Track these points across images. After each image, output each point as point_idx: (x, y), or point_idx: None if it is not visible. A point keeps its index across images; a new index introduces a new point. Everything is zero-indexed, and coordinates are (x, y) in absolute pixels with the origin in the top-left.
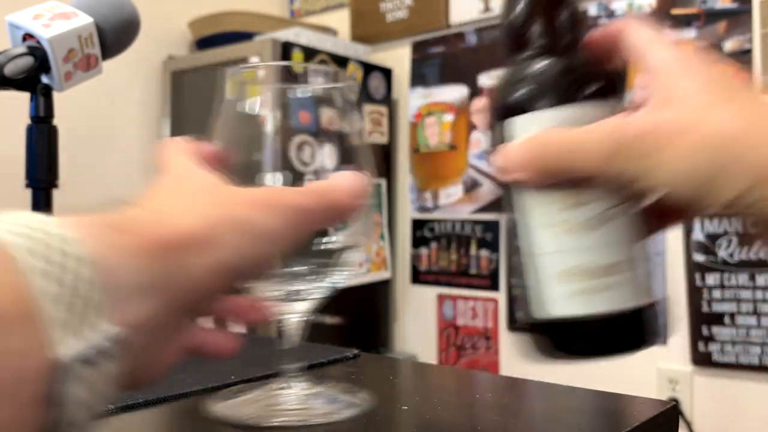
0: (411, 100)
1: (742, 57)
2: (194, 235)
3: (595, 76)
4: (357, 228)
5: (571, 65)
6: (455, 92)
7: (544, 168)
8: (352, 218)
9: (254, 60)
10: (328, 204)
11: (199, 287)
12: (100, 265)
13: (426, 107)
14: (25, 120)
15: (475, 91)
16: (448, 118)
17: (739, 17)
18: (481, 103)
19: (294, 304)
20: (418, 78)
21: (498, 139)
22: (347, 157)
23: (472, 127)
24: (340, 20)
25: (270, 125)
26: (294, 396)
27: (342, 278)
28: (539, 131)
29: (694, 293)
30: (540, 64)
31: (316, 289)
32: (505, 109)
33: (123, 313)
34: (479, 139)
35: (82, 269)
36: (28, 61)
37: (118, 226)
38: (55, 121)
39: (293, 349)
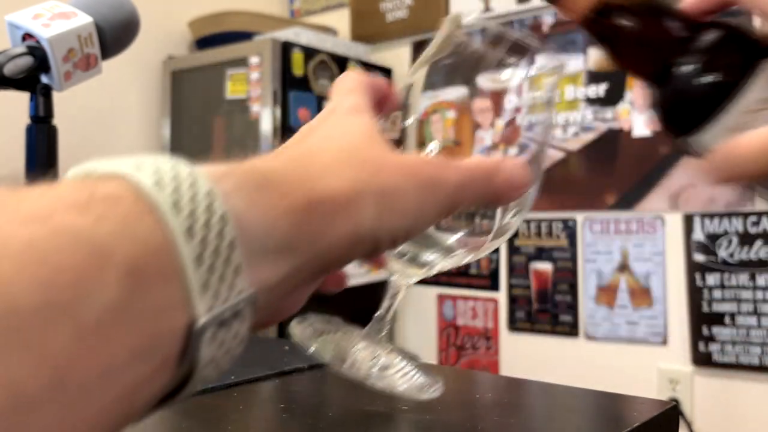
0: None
1: None
2: (338, 199)
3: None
4: (513, 208)
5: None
6: (456, 91)
7: None
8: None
9: (254, 60)
10: (486, 188)
11: (333, 252)
12: (242, 224)
13: (432, 106)
14: (24, 120)
15: (476, 91)
16: (451, 114)
17: (736, 17)
18: (484, 103)
19: (410, 269)
20: None
21: (688, 148)
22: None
23: (475, 125)
24: (340, 20)
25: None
26: (378, 356)
27: (478, 257)
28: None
29: (695, 293)
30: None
31: (445, 262)
32: (689, 122)
33: (258, 273)
34: (482, 137)
35: (226, 228)
36: (28, 60)
37: (262, 182)
38: (55, 121)
39: (383, 317)
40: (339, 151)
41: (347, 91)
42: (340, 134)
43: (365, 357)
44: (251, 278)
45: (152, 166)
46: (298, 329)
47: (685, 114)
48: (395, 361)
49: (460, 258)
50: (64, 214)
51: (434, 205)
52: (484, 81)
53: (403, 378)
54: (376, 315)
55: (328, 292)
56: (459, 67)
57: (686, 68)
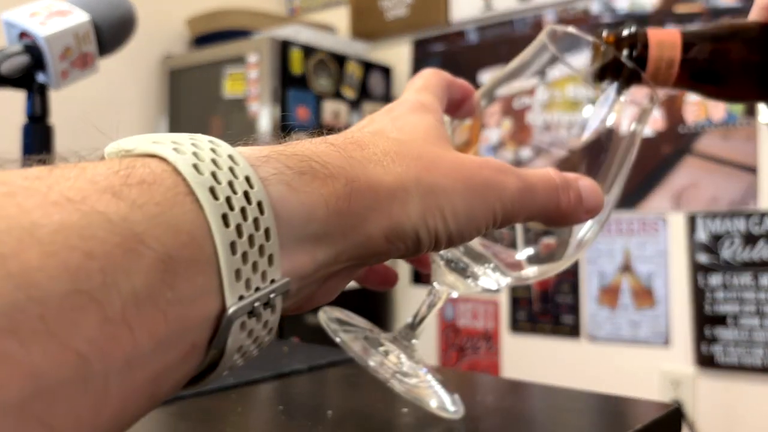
0: None
1: None
2: (381, 191)
3: None
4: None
5: None
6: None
7: None
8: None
9: (252, 58)
10: (550, 203)
11: (371, 244)
12: (279, 211)
13: None
14: (20, 119)
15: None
16: (468, 121)
17: (742, 15)
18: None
19: (458, 280)
20: None
21: None
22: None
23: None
24: (340, 18)
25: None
26: (401, 363)
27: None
28: None
29: (697, 294)
30: None
31: (495, 279)
32: None
33: (292, 261)
34: (488, 135)
35: (262, 216)
36: (24, 59)
37: (305, 168)
38: (51, 120)
39: (415, 324)
40: (392, 143)
41: (420, 88)
42: (398, 128)
43: (390, 360)
44: (285, 267)
45: (190, 144)
46: (327, 317)
47: None
48: (419, 372)
49: (517, 279)
50: (98, 198)
51: (485, 211)
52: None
53: (425, 390)
54: (408, 320)
55: (377, 289)
56: (524, 67)
57: None
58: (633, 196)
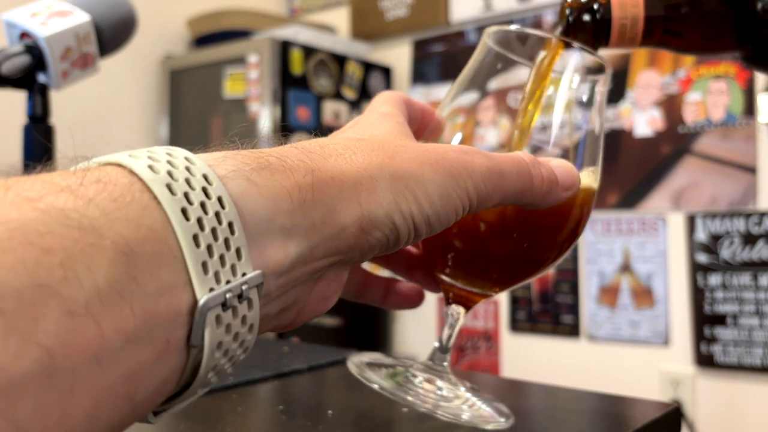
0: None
1: None
2: (345, 181)
3: None
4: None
5: None
6: (469, 98)
7: None
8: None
9: (253, 58)
10: (524, 180)
11: (346, 236)
12: (241, 205)
13: (449, 114)
14: (21, 119)
15: (485, 93)
16: (460, 119)
17: None
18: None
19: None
20: (419, 76)
21: None
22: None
23: (476, 123)
24: (340, 18)
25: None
26: (439, 389)
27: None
28: None
29: (697, 294)
30: None
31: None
32: None
33: (263, 256)
34: (483, 134)
35: (223, 210)
36: (25, 59)
37: (266, 164)
38: (52, 120)
39: (445, 347)
40: (353, 140)
41: (380, 102)
42: (360, 129)
43: (429, 389)
44: (256, 262)
45: (146, 152)
46: (356, 365)
47: None
48: (459, 392)
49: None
50: (56, 196)
51: (459, 190)
52: (493, 83)
53: (470, 409)
54: (436, 345)
55: (401, 309)
56: (478, 74)
57: None
58: (633, 196)
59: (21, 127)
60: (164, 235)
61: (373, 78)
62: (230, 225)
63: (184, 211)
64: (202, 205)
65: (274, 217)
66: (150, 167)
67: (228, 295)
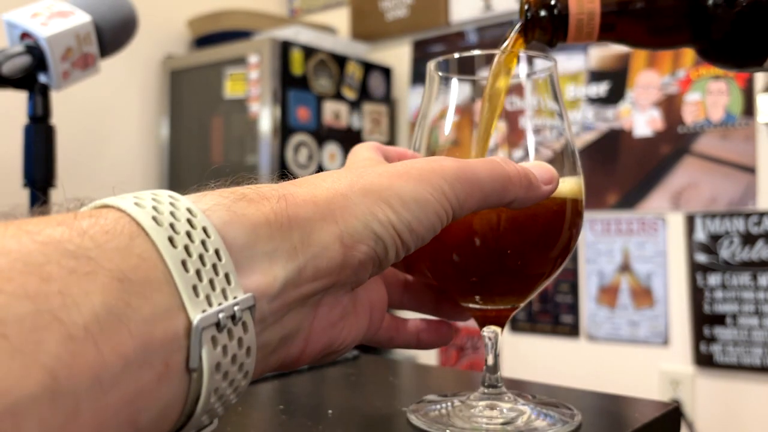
0: (412, 99)
1: None
2: (318, 202)
3: None
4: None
5: None
6: (461, 96)
7: None
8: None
9: (253, 59)
10: (500, 177)
11: (331, 255)
12: (224, 233)
13: (440, 112)
14: (22, 119)
15: (477, 90)
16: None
17: None
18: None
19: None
20: (419, 77)
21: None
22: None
23: (475, 125)
24: (340, 18)
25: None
26: (502, 410)
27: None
28: None
29: (696, 294)
30: None
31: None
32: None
33: (251, 280)
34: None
35: (209, 239)
36: (26, 60)
37: (242, 196)
38: (53, 121)
39: (494, 369)
40: (324, 173)
41: (358, 150)
42: (343, 169)
43: (493, 415)
44: (245, 284)
45: (132, 195)
46: (415, 415)
47: (752, 43)
48: (521, 408)
49: None
50: (53, 229)
51: (435, 193)
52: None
53: (538, 419)
54: (485, 369)
55: (434, 346)
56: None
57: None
58: (632, 196)
59: (22, 127)
60: (154, 262)
61: (373, 78)
62: (217, 252)
63: (171, 240)
64: (188, 234)
65: (255, 243)
66: (136, 204)
67: (221, 315)
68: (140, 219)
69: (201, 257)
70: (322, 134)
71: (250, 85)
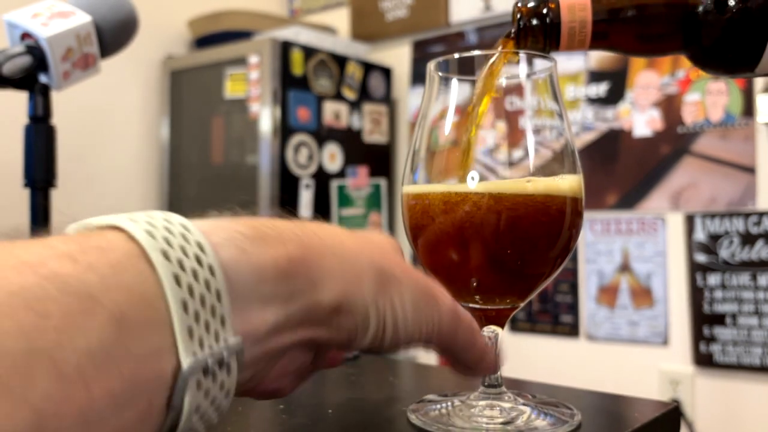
0: (412, 99)
1: None
2: (333, 260)
3: None
4: None
5: None
6: (461, 96)
7: None
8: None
9: (253, 59)
10: (470, 340)
11: (319, 312)
12: (230, 272)
13: (440, 112)
14: (23, 120)
15: None
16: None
17: None
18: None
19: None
20: (419, 77)
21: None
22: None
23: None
24: (340, 19)
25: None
26: (502, 410)
27: None
28: None
29: (696, 294)
30: None
31: None
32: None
33: (245, 321)
34: (484, 136)
35: (213, 278)
36: (26, 60)
37: (256, 234)
38: (54, 121)
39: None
40: (349, 233)
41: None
42: (359, 232)
43: (493, 414)
44: (237, 327)
45: (145, 218)
46: (416, 415)
47: (741, 49)
48: (521, 408)
49: None
50: (55, 262)
51: (429, 314)
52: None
53: (538, 419)
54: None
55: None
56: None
57: (721, 9)
58: (632, 196)
59: (22, 127)
60: (156, 301)
61: (373, 78)
62: (218, 293)
63: (176, 278)
64: (194, 273)
65: (257, 286)
66: (148, 233)
67: (209, 361)
68: (151, 254)
69: (202, 298)
70: (322, 134)
71: (251, 85)
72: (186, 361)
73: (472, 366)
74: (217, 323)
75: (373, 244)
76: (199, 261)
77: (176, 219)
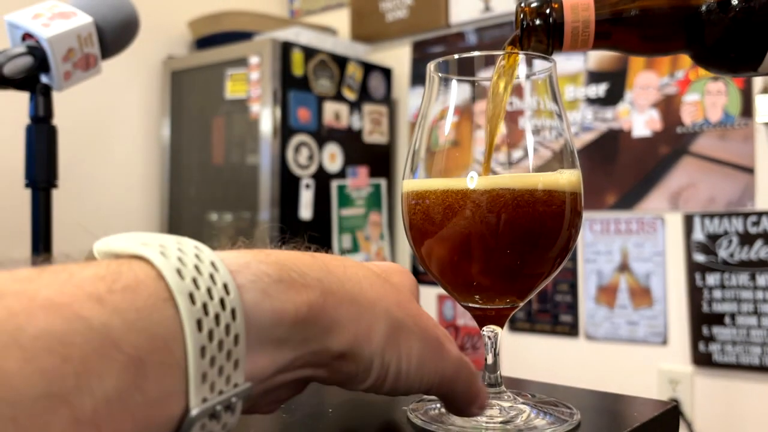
0: (411, 99)
1: None
2: (350, 309)
3: None
4: None
5: None
6: (460, 96)
7: None
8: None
9: (254, 60)
10: (469, 389)
11: (325, 356)
12: (250, 315)
13: (440, 112)
14: (24, 120)
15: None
16: (454, 118)
17: None
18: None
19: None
20: (419, 78)
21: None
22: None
23: (475, 126)
24: (340, 20)
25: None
26: (502, 409)
27: None
28: None
29: (695, 293)
30: None
31: None
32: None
33: (255, 363)
34: (482, 137)
35: (234, 323)
36: (28, 60)
37: (282, 275)
38: (55, 121)
39: (493, 369)
40: (373, 273)
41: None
42: (380, 268)
43: (493, 414)
44: (247, 370)
45: (176, 251)
46: (415, 414)
47: (745, 47)
48: (520, 407)
49: None
50: (82, 304)
51: (433, 368)
52: (485, 83)
53: (537, 418)
54: (484, 368)
55: None
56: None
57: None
58: (631, 196)
59: (23, 127)
60: (174, 344)
61: (374, 79)
62: (236, 337)
63: (199, 322)
64: (216, 317)
65: (274, 329)
66: (178, 271)
67: (218, 407)
68: (177, 295)
69: (220, 343)
70: (322, 135)
71: (251, 85)
72: (195, 409)
73: (463, 409)
74: (230, 367)
75: (391, 289)
76: (222, 304)
77: (206, 255)
